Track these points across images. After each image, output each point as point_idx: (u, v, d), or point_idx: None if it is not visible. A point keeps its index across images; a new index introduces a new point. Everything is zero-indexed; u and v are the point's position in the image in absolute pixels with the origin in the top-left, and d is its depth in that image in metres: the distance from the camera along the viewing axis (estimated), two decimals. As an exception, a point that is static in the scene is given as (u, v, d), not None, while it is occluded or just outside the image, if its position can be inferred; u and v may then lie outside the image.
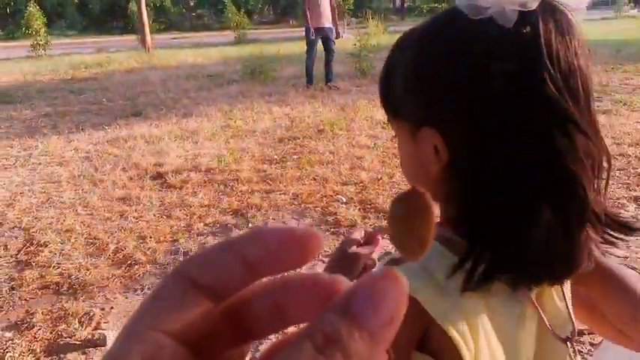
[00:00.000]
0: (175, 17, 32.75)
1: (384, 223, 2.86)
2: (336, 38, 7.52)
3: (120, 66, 11.40)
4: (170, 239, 2.91)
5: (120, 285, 2.47)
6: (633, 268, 2.41)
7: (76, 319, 2.18)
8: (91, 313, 2.23)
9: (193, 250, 2.74)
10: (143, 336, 0.17)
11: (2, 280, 2.53)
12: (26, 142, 5.16)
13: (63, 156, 4.65)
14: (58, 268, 2.63)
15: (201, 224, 3.07)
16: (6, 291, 2.43)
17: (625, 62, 8.07)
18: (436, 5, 22.25)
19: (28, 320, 2.20)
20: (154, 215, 3.24)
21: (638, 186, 3.36)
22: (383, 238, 0.80)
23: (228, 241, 0.18)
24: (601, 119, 4.80)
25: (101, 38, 24.60)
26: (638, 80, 6.88)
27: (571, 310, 0.60)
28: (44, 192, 3.74)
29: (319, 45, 7.43)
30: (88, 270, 2.58)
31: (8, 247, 2.88)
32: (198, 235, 2.93)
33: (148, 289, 2.42)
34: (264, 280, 0.19)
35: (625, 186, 3.36)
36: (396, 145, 0.65)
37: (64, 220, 3.20)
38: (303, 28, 7.68)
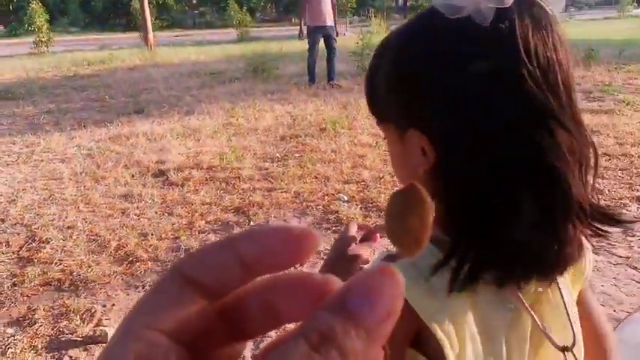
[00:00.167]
0: (178, 15, 32.74)
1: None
2: (336, 36, 7.53)
3: (122, 63, 11.40)
4: (172, 237, 2.91)
5: (121, 282, 2.47)
6: (634, 268, 2.41)
7: (78, 316, 2.18)
8: (93, 310, 2.23)
9: (195, 248, 2.74)
10: (138, 334, 0.17)
11: (4, 276, 2.54)
12: (28, 139, 5.16)
13: (65, 153, 4.66)
14: (60, 264, 2.63)
15: (203, 222, 3.07)
16: (8, 287, 2.43)
17: (628, 62, 8.05)
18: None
19: (30, 316, 2.20)
20: (156, 212, 3.24)
21: (640, 186, 3.36)
22: (382, 236, 0.80)
23: (225, 239, 0.18)
24: (604, 119, 4.80)
25: (104, 35, 24.61)
26: (641, 80, 6.86)
27: (572, 319, 0.60)
28: (46, 189, 3.75)
29: (321, 43, 7.43)
30: (89, 267, 2.59)
31: (10, 243, 2.88)
32: (199, 233, 2.93)
33: (150, 286, 2.42)
34: (259, 279, 0.19)
35: (627, 186, 3.36)
36: None
37: (66, 217, 3.21)
38: (305, 27, 7.68)
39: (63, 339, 2.07)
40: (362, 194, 3.35)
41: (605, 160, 3.78)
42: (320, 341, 0.15)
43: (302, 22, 7.63)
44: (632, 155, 3.89)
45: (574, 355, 0.58)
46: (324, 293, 0.18)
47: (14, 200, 3.53)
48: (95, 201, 3.44)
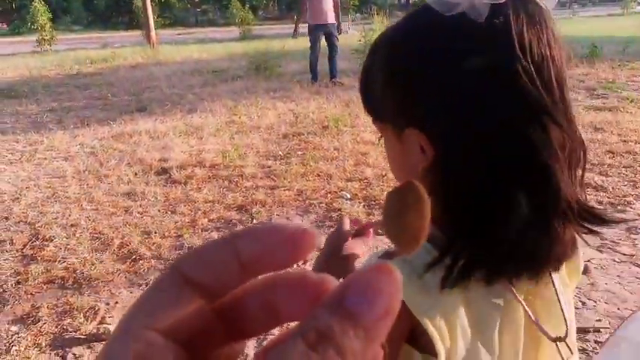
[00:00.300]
0: (180, 13, 32.73)
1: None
2: (339, 34, 7.51)
3: (125, 61, 11.41)
4: (175, 234, 2.91)
5: (125, 280, 2.48)
6: (639, 266, 2.40)
7: (81, 314, 2.19)
8: (96, 308, 2.24)
9: (197, 245, 2.75)
10: (137, 335, 0.17)
11: (8, 274, 2.55)
12: (32, 137, 5.17)
13: (68, 151, 4.67)
14: (64, 262, 2.64)
15: (206, 220, 3.08)
16: (12, 285, 2.44)
17: (632, 59, 8.01)
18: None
19: (34, 314, 2.21)
20: (159, 210, 3.25)
21: (644, 183, 3.34)
22: (376, 232, 0.80)
23: (224, 238, 0.18)
24: (608, 116, 4.78)
25: (106, 33, 24.62)
26: (645, 77, 6.83)
27: (565, 311, 0.60)
28: (49, 187, 3.76)
29: (323, 41, 7.42)
30: (93, 265, 2.60)
31: (14, 241, 2.89)
32: (202, 231, 2.94)
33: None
34: (258, 278, 0.19)
35: (631, 183, 3.34)
36: None
37: (70, 215, 3.22)
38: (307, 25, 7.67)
39: (66, 337, 2.07)
40: (365, 192, 3.35)
41: (609, 158, 3.77)
42: (317, 340, 0.15)
43: (298, 20, 7.60)
44: (636, 152, 3.87)
45: (567, 346, 0.59)
46: (320, 292, 0.18)
47: (18, 198, 3.54)
48: (98, 199, 3.45)
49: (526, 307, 0.57)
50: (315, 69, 7.56)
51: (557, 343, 0.58)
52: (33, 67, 10.56)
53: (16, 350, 1.99)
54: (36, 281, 2.46)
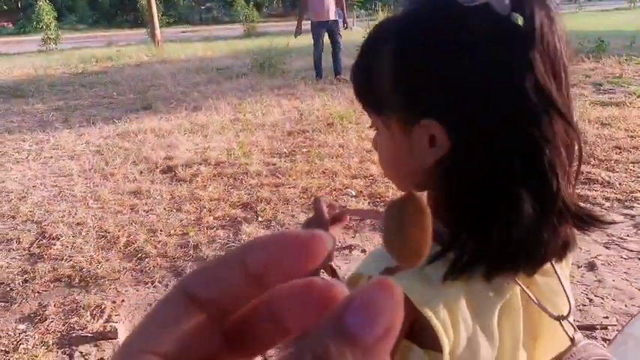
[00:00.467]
0: (184, 10, 32.77)
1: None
2: (345, 29, 7.48)
3: (130, 60, 11.44)
4: (180, 232, 2.92)
5: (131, 278, 2.49)
6: (647, 263, 2.38)
7: (88, 312, 2.20)
8: (103, 306, 2.25)
9: (203, 243, 2.75)
10: (134, 359, 0.16)
11: (15, 272, 2.56)
12: (38, 136, 5.20)
13: (74, 150, 4.69)
14: (70, 260, 2.65)
15: (211, 218, 3.08)
16: (19, 283, 2.46)
17: (639, 54, 7.94)
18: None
19: (41, 312, 2.22)
20: (164, 209, 3.26)
21: (652, 179, 3.32)
22: (352, 218, 0.78)
23: (229, 254, 0.18)
24: (614, 111, 4.74)
25: (111, 32, 24.69)
26: (653, 72, 6.77)
27: (567, 290, 0.61)
28: (56, 185, 3.77)
29: (326, 38, 7.40)
30: (99, 263, 2.61)
31: (21, 240, 2.91)
32: (207, 229, 2.94)
33: (159, 282, 2.44)
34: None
35: (639, 179, 3.32)
36: None
37: (76, 214, 3.23)
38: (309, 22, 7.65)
39: (73, 335, 2.08)
40: (370, 189, 3.34)
41: (616, 154, 3.74)
42: None
43: (300, 19, 7.56)
44: (644, 148, 3.84)
45: (570, 324, 0.60)
46: (327, 299, 0.17)
47: (24, 197, 3.56)
48: (104, 197, 3.46)
49: (526, 289, 0.58)
50: (320, 66, 7.54)
51: (561, 321, 0.59)
52: (39, 66, 10.60)
53: (23, 348, 2.01)
54: (43, 280, 2.48)
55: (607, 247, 2.53)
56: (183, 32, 22.32)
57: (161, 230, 2.93)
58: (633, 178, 3.33)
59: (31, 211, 3.30)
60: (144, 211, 3.25)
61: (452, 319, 0.53)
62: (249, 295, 0.18)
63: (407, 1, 0.59)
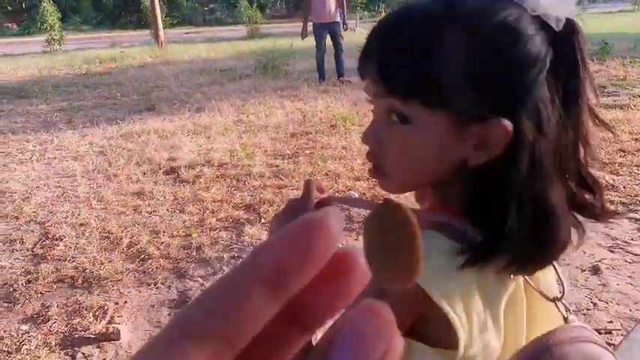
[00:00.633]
0: (188, 12, 32.85)
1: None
2: (345, 30, 7.49)
3: (133, 61, 11.47)
4: (183, 234, 2.92)
5: (133, 279, 2.48)
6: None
7: (91, 313, 2.20)
8: (105, 307, 2.25)
9: (206, 245, 2.75)
10: None
11: (18, 273, 2.56)
12: (42, 137, 5.21)
13: (77, 150, 4.70)
14: (73, 261, 2.65)
15: (214, 219, 3.08)
16: (22, 284, 2.46)
17: (643, 56, 7.92)
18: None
19: (44, 313, 2.23)
20: (167, 210, 3.26)
21: (656, 182, 3.30)
22: (339, 206, 0.78)
23: (228, 277, 0.15)
24: (618, 114, 4.73)
25: (115, 33, 24.76)
26: (657, 74, 6.74)
27: (559, 273, 0.64)
28: (59, 186, 3.78)
29: (328, 39, 7.40)
30: (102, 264, 2.61)
31: (24, 240, 2.91)
32: (210, 230, 2.94)
33: (162, 283, 2.44)
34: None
35: (643, 182, 3.30)
36: None
37: (79, 215, 3.24)
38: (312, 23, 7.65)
39: (76, 336, 2.08)
40: (373, 191, 3.33)
41: (620, 157, 3.73)
42: None
43: (306, 21, 7.56)
44: (648, 151, 3.82)
45: (564, 305, 0.62)
46: (348, 269, 0.15)
47: (28, 198, 3.56)
48: (107, 198, 3.47)
49: (529, 280, 0.60)
50: (322, 68, 7.54)
51: (556, 302, 0.61)
52: (43, 67, 10.64)
53: (26, 349, 2.01)
54: (46, 280, 2.48)
55: (611, 251, 2.52)
56: (187, 33, 22.37)
57: (164, 231, 2.93)
58: (637, 182, 3.31)
59: (34, 212, 3.31)
60: (147, 212, 3.25)
61: (466, 312, 0.53)
62: (264, 312, 0.15)
63: None
